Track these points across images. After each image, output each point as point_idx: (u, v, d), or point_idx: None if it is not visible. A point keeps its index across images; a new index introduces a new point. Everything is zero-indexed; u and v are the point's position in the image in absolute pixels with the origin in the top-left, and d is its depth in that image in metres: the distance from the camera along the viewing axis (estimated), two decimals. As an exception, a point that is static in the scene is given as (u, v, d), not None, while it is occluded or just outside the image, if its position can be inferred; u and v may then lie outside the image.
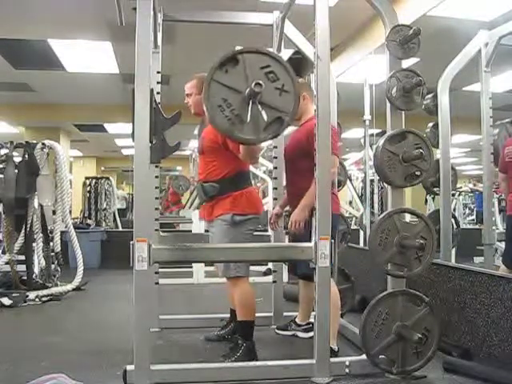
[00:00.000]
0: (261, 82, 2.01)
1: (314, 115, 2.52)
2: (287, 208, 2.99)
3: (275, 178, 3.33)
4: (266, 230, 3.80)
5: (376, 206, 4.92)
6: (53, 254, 4.63)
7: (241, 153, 2.47)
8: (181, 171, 14.53)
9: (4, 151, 4.58)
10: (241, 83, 2.07)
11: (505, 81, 5.22)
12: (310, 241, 2.33)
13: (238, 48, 2.13)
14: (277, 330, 3.18)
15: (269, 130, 2.11)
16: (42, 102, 7.78)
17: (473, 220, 8.65)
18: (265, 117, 2.06)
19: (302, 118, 2.83)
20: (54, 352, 2.74)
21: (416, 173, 2.41)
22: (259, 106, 2.05)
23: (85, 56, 5.58)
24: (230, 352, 2.61)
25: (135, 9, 2.18)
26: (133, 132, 2.17)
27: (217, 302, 4.01)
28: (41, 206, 4.55)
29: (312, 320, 3.00)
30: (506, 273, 2.77)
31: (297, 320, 3.14)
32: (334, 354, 2.53)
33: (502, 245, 5.44)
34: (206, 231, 3.09)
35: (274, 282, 3.35)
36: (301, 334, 3.08)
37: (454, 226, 3.70)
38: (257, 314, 3.13)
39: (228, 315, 3.06)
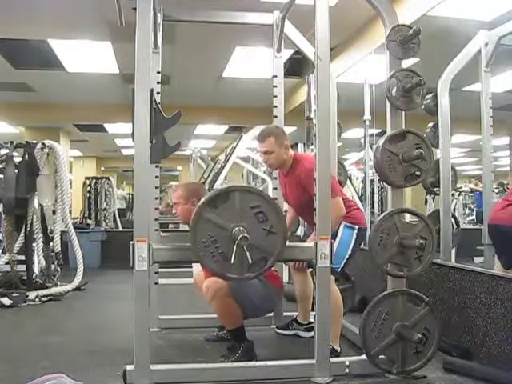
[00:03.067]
0: (247, 235, 2.06)
1: (295, 155, 2.72)
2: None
3: (275, 178, 3.33)
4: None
5: (376, 205, 4.91)
6: (53, 254, 4.63)
7: None
8: (181, 171, 14.56)
9: (4, 151, 4.59)
10: (229, 221, 2.11)
11: (505, 81, 5.22)
12: None
13: (229, 186, 2.18)
14: (277, 330, 3.18)
15: (252, 270, 2.16)
16: (42, 102, 7.77)
17: (473, 220, 8.65)
18: (249, 260, 2.10)
19: (286, 166, 2.78)
20: (54, 352, 2.74)
21: (416, 173, 2.41)
22: (245, 248, 2.08)
23: (85, 56, 5.58)
24: (229, 352, 2.61)
25: (135, 9, 2.18)
26: (133, 132, 2.17)
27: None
28: (41, 206, 4.55)
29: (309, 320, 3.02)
30: (501, 271, 2.77)
31: (298, 319, 3.14)
32: (336, 354, 2.54)
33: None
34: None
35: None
36: (302, 334, 3.08)
37: (454, 226, 3.70)
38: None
39: None
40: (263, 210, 2.14)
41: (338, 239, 2.61)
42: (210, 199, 2.14)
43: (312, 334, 2.90)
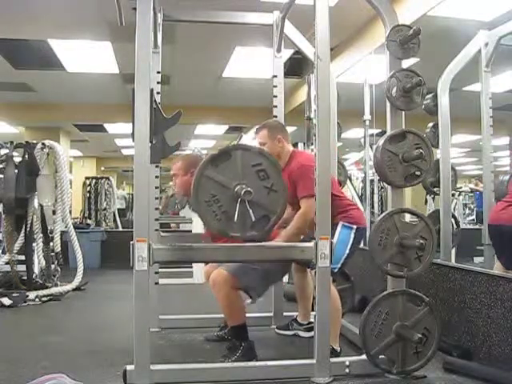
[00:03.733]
0: (250, 189, 2.06)
1: (293, 152, 2.73)
2: None
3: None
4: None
5: (376, 205, 4.91)
6: (53, 254, 4.63)
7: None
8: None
9: (4, 151, 4.59)
10: (231, 180, 2.10)
11: (505, 81, 5.22)
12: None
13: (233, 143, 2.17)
14: (277, 330, 3.18)
15: (255, 228, 2.15)
16: (42, 102, 7.77)
17: (473, 220, 8.65)
18: (252, 217, 2.10)
19: (281, 160, 2.77)
20: (54, 352, 2.74)
21: (416, 173, 2.41)
22: (247, 205, 2.08)
23: (85, 56, 5.58)
24: (229, 352, 2.61)
25: (135, 9, 2.18)
26: (133, 132, 2.17)
27: (217, 302, 4.01)
28: (41, 206, 4.55)
29: (309, 320, 3.02)
30: (501, 271, 2.77)
31: (298, 319, 3.14)
32: (336, 354, 2.54)
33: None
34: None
35: (274, 282, 3.34)
36: (302, 334, 3.08)
37: (454, 226, 3.70)
38: (257, 314, 3.14)
39: (222, 315, 3.03)
40: (264, 167, 2.14)
41: (335, 239, 2.60)
42: (212, 158, 2.12)
43: (312, 333, 2.91)
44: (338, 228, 2.62)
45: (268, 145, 2.74)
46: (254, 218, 2.10)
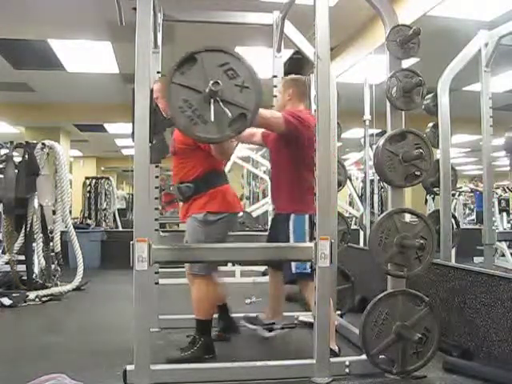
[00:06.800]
0: (218, 80, 2.01)
1: (298, 109, 2.63)
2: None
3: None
4: (265, 230, 3.79)
5: (376, 205, 4.92)
6: (53, 254, 4.63)
7: (213, 151, 2.50)
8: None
9: (4, 151, 4.59)
10: (200, 83, 2.06)
11: (505, 81, 5.22)
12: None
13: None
14: (242, 321, 3.08)
15: (232, 127, 2.10)
16: (42, 102, 7.78)
17: (473, 220, 8.66)
18: (229, 113, 2.05)
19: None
20: (54, 352, 2.74)
21: (416, 173, 2.41)
22: (221, 104, 2.04)
23: (85, 56, 5.58)
24: (188, 345, 2.62)
25: (135, 9, 2.18)
26: (133, 132, 2.17)
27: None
28: (41, 206, 4.55)
29: (273, 320, 3.00)
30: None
31: (261, 316, 3.06)
32: (335, 355, 2.53)
33: (502, 245, 5.44)
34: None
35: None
36: (260, 332, 3.00)
37: (454, 226, 3.70)
38: (257, 314, 3.12)
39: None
40: (232, 66, 2.10)
41: (291, 236, 2.60)
42: (177, 65, 2.08)
43: (271, 334, 2.96)
44: (291, 224, 2.63)
45: (280, 94, 2.82)
46: (230, 114, 2.05)
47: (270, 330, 2.99)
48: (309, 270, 2.53)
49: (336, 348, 2.60)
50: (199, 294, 2.62)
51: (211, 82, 2.01)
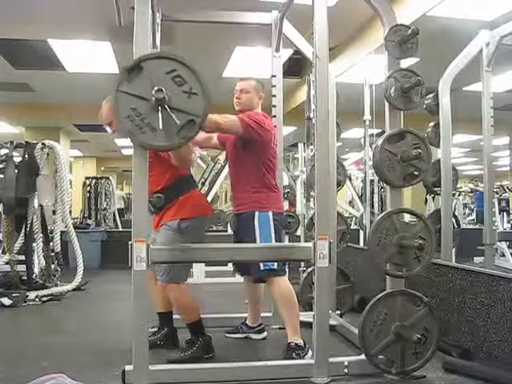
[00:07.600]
0: (163, 87, 2.01)
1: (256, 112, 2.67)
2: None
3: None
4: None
5: (376, 205, 4.91)
6: (53, 254, 4.63)
7: (172, 159, 2.49)
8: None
9: (4, 151, 4.58)
10: (147, 91, 2.05)
11: (506, 80, 5.21)
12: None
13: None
14: (227, 335, 3.06)
15: (181, 134, 2.09)
16: (42, 102, 7.78)
17: (473, 220, 8.65)
18: (177, 121, 2.05)
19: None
20: (54, 352, 2.74)
21: (414, 173, 2.41)
22: (169, 111, 2.04)
23: (85, 56, 5.58)
24: (187, 346, 2.62)
25: (133, 8, 2.18)
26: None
27: (217, 302, 4.01)
28: (41, 206, 4.55)
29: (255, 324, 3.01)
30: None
31: (248, 322, 3.06)
32: (301, 349, 2.54)
33: (502, 245, 5.43)
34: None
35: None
36: (254, 336, 3.02)
37: (455, 226, 3.69)
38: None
39: (221, 315, 3.03)
40: (180, 73, 2.09)
41: (257, 234, 2.61)
42: (124, 72, 2.07)
43: (264, 335, 2.99)
44: (256, 222, 2.64)
45: (250, 95, 2.77)
46: (178, 122, 2.05)
47: (260, 332, 3.01)
48: (275, 267, 2.57)
49: (301, 342, 2.59)
50: (180, 302, 2.61)
51: (155, 89, 2.01)
